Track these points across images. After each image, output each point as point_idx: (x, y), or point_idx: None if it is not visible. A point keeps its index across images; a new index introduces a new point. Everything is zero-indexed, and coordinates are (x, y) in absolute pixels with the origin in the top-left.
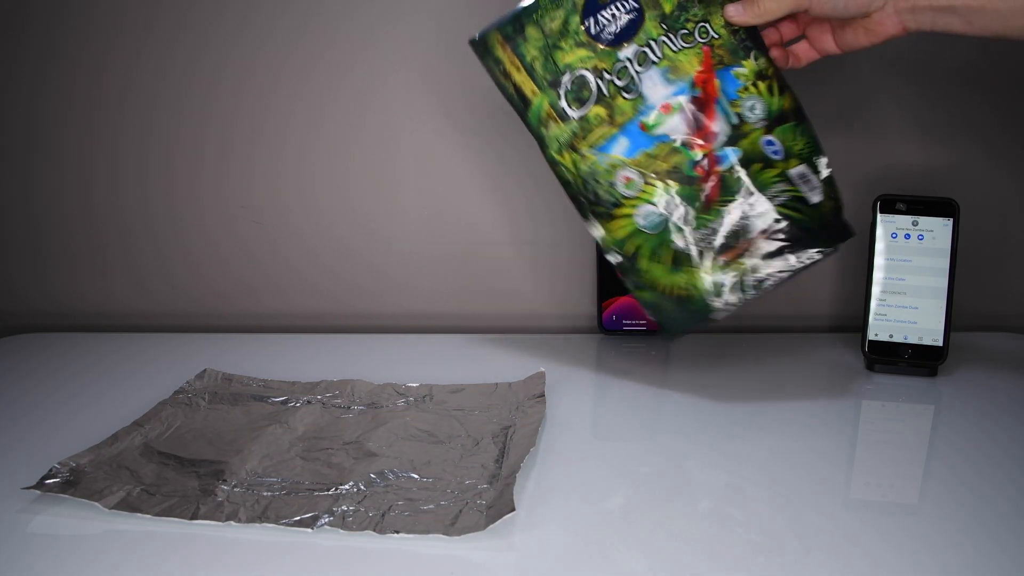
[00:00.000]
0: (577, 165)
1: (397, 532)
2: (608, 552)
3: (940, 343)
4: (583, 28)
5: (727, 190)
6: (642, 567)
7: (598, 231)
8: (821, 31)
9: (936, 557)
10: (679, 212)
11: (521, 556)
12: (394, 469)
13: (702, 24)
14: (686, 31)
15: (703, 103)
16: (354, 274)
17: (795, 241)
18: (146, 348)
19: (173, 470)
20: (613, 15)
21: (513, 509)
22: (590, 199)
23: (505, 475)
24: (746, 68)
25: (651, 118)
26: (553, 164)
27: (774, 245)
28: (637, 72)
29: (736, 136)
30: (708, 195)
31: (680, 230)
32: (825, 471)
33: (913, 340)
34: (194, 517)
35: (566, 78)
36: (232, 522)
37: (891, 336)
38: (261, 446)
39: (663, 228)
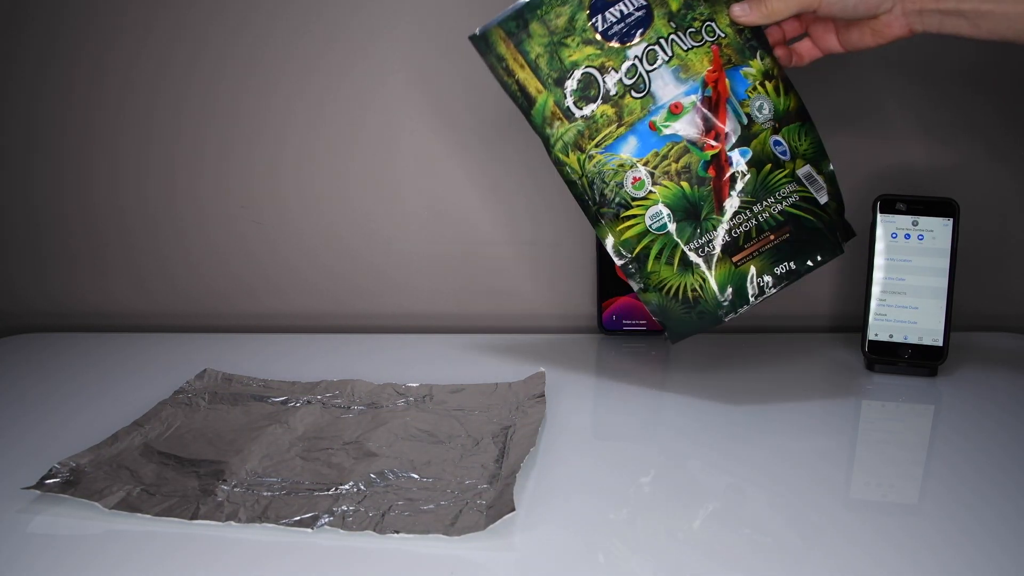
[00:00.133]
0: (583, 165)
1: (397, 532)
2: (608, 552)
3: (940, 343)
4: (591, 25)
5: (738, 191)
6: (642, 567)
7: (608, 237)
8: (825, 30)
9: (936, 557)
10: (689, 213)
11: (521, 556)
12: (394, 469)
13: (708, 23)
14: (694, 29)
15: (714, 103)
16: (354, 274)
17: (803, 243)
18: (146, 348)
19: (173, 470)
20: (621, 12)
21: (513, 509)
22: (596, 200)
23: (505, 475)
24: (753, 68)
25: (661, 118)
26: (558, 164)
27: (783, 247)
28: (647, 71)
29: (746, 136)
30: (720, 196)
31: (690, 231)
32: (825, 471)
33: (913, 340)
34: (194, 517)
35: (572, 76)
36: (232, 522)
37: (891, 336)
38: (261, 446)
39: (673, 229)
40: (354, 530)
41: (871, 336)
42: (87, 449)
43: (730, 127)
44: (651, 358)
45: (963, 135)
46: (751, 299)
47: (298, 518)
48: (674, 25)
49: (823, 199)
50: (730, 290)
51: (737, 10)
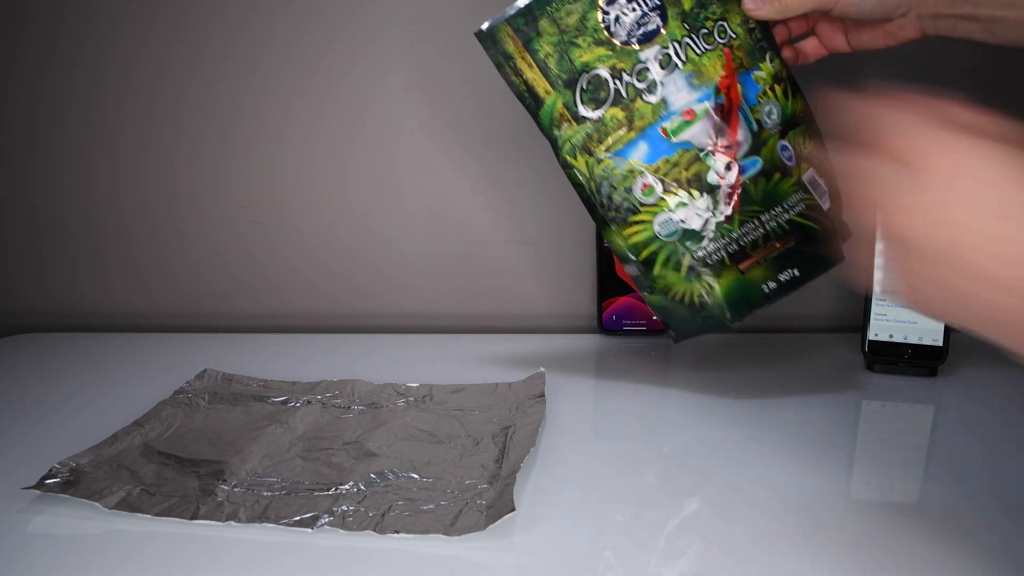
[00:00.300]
0: (591, 169)
1: (397, 532)
2: (608, 552)
3: (940, 343)
4: (602, 25)
5: (748, 200)
6: (643, 567)
7: (616, 241)
8: (833, 30)
9: (936, 557)
10: (698, 221)
11: (521, 556)
12: (394, 469)
13: (720, 23)
14: (706, 30)
15: (727, 110)
16: (354, 274)
17: (807, 251)
18: (146, 348)
19: (173, 470)
20: (635, 11)
21: (513, 509)
22: (604, 204)
23: (505, 475)
24: (764, 71)
25: (673, 124)
26: (566, 167)
27: (788, 255)
28: (660, 75)
29: (756, 144)
30: (731, 205)
31: (699, 239)
32: (825, 471)
33: (913, 340)
34: (194, 517)
35: (582, 78)
36: (232, 522)
37: (891, 336)
38: (261, 446)
39: (681, 237)
40: (354, 530)
41: (871, 336)
42: (87, 449)
43: (741, 136)
44: (651, 358)
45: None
46: (757, 306)
47: (298, 518)
48: (688, 27)
49: (826, 204)
50: (737, 297)
51: (749, 3)
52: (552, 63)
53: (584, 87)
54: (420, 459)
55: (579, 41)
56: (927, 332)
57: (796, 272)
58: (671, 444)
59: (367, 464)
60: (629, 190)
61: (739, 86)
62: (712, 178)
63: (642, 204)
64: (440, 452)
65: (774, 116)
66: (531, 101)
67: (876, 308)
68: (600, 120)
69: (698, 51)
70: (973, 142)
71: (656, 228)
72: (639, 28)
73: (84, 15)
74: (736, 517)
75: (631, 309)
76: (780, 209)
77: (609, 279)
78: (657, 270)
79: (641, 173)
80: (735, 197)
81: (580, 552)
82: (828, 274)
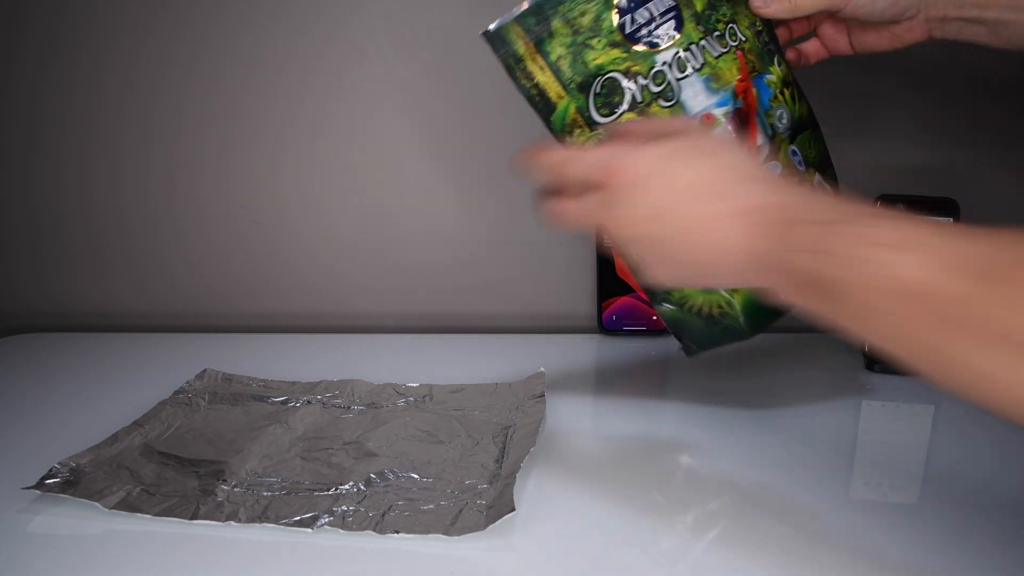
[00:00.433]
0: None
1: (397, 532)
2: (608, 552)
3: None
4: (617, 26)
5: None
6: (643, 567)
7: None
8: (837, 31)
9: (936, 557)
10: None
11: (521, 556)
12: (394, 469)
13: (731, 25)
14: (719, 32)
15: (745, 115)
16: (354, 274)
17: None
18: (146, 348)
19: (173, 470)
20: (651, 12)
21: (513, 509)
22: None
23: (505, 475)
24: (774, 75)
25: None
26: None
27: None
28: (677, 79)
29: (773, 150)
30: None
31: None
32: (825, 471)
33: None
34: (194, 517)
35: (597, 81)
36: (232, 522)
37: None
38: (261, 446)
39: None
40: (354, 530)
41: None
42: (87, 449)
43: (760, 140)
44: (651, 358)
45: (962, 134)
46: (776, 316)
47: (298, 518)
48: (702, 28)
49: None
50: (756, 307)
51: (757, 1)
52: (565, 66)
53: (598, 91)
54: (420, 459)
55: (593, 43)
56: None
57: None
58: (671, 444)
59: (367, 464)
60: None
61: (754, 90)
62: None
63: None
64: (440, 452)
65: (785, 121)
66: (543, 105)
67: None
68: (613, 126)
69: (715, 53)
70: (656, 148)
71: None
72: (656, 30)
73: (84, 15)
74: (736, 516)
75: (631, 309)
76: None
77: (609, 279)
78: None
79: None
80: None
81: (580, 552)
82: None
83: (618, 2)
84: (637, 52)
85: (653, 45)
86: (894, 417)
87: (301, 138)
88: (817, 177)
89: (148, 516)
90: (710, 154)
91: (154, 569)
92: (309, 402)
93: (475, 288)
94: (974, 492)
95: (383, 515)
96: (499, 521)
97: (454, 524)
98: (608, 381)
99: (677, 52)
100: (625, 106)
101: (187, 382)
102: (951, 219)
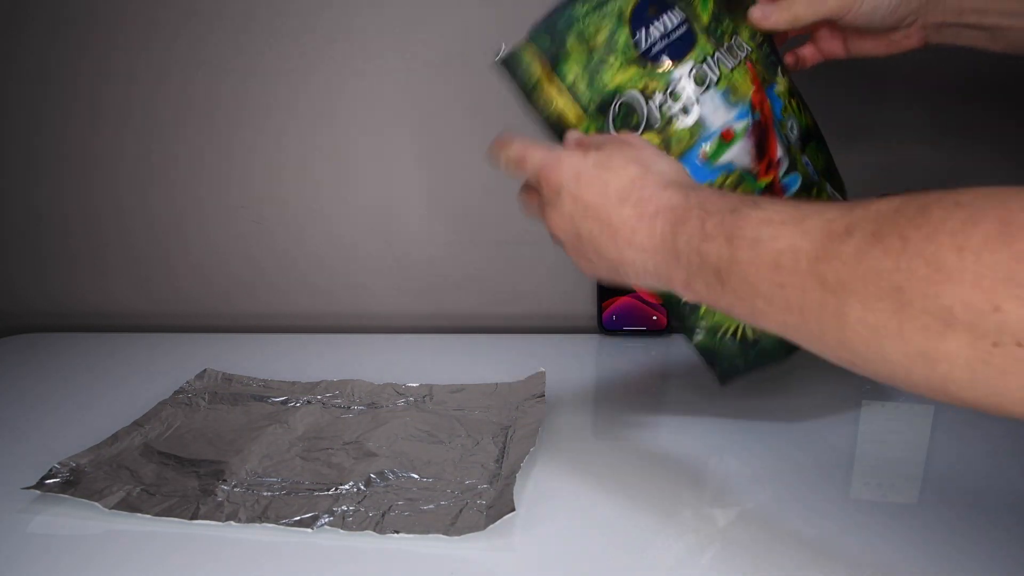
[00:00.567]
0: None
1: (397, 532)
2: (608, 552)
3: None
4: (633, 44)
5: None
6: (642, 567)
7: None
8: (832, 36)
9: (936, 557)
10: None
11: (521, 556)
12: (394, 469)
13: (735, 36)
14: (727, 45)
15: (764, 127)
16: (354, 274)
17: None
18: (146, 348)
19: (173, 470)
20: (664, 27)
21: (513, 509)
22: None
23: (505, 475)
24: (780, 85)
25: (712, 146)
26: None
27: None
28: (696, 94)
29: (791, 161)
30: None
31: None
32: (825, 471)
33: None
34: (194, 517)
35: (616, 102)
36: (232, 522)
37: None
38: (261, 446)
39: None
40: (354, 530)
41: None
42: (87, 449)
43: (780, 152)
44: (651, 358)
45: (962, 135)
46: None
47: (298, 518)
48: (713, 41)
49: None
50: None
51: (757, 13)
52: (582, 86)
53: (616, 111)
54: (420, 459)
55: (610, 60)
56: None
57: None
58: (671, 444)
59: (367, 464)
60: None
61: (768, 101)
62: None
63: None
64: (440, 452)
65: (795, 131)
66: (561, 130)
67: None
68: None
69: (729, 65)
70: (593, 155)
71: None
72: (671, 44)
73: (85, 15)
74: (736, 516)
75: (631, 309)
76: None
77: None
78: (704, 308)
79: None
80: None
81: (580, 552)
82: None
83: (631, 17)
84: (654, 68)
85: (670, 60)
86: (894, 417)
87: (301, 138)
88: (829, 187)
89: (148, 516)
90: (638, 162)
91: (154, 569)
92: (309, 402)
93: (475, 288)
94: (974, 492)
95: (383, 515)
96: (499, 521)
97: (454, 524)
98: (608, 381)
99: (693, 66)
100: (643, 126)
101: (187, 382)
102: None
